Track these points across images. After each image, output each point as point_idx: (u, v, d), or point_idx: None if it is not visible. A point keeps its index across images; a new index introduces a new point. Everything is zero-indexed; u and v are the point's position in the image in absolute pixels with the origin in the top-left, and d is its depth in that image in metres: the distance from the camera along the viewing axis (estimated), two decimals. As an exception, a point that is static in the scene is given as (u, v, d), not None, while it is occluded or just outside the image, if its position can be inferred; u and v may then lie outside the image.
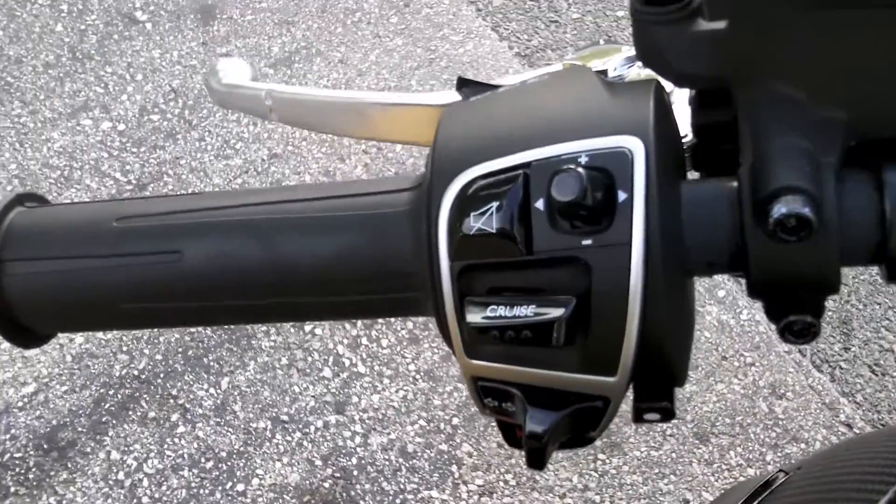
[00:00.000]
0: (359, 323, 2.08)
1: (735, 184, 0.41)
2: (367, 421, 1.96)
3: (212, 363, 2.02)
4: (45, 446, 1.90)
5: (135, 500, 1.85)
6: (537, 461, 0.43)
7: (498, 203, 0.40)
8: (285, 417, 1.95)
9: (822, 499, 0.57)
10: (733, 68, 0.41)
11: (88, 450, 1.90)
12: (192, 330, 2.06)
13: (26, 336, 0.50)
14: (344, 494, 1.86)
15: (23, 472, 1.86)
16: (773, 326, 0.44)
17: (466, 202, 0.41)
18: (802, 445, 1.94)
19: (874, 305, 2.20)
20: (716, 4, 0.41)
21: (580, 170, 0.38)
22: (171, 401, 1.97)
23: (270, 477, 1.88)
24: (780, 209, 0.38)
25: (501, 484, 1.89)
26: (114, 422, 1.93)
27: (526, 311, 0.40)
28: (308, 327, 2.08)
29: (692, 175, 0.47)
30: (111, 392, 1.97)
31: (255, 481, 1.88)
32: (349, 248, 0.45)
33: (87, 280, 0.48)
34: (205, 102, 2.48)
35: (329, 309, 0.48)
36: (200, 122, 2.45)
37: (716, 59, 0.41)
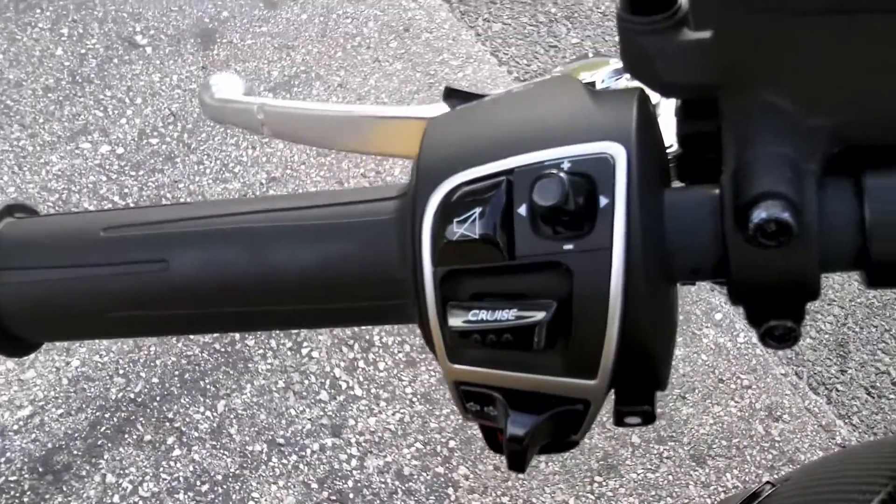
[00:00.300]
0: (356, 346, 2.08)
1: (717, 191, 0.42)
2: (363, 444, 1.95)
3: (208, 386, 2.02)
4: (41, 469, 1.90)
5: (130, 523, 1.85)
6: (518, 464, 0.43)
7: (481, 209, 0.41)
8: (281, 440, 1.95)
9: None
10: (719, 77, 0.41)
11: (84, 473, 1.90)
12: (189, 353, 2.06)
13: (15, 345, 0.51)
14: (340, 517, 1.86)
15: (17, 495, 1.86)
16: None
17: (450, 208, 0.42)
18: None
19: (871, 328, 2.20)
20: (701, 14, 0.41)
21: (562, 175, 0.39)
22: (167, 424, 1.96)
23: (266, 500, 1.87)
24: (759, 214, 0.38)
25: (497, 507, 1.89)
26: (109, 445, 1.93)
27: (507, 316, 0.40)
28: (305, 350, 2.08)
29: (677, 185, 0.47)
30: (107, 415, 1.97)
31: (251, 504, 1.88)
32: (335, 256, 0.45)
33: (75, 289, 0.48)
34: (204, 126, 2.49)
35: (315, 316, 0.48)
36: (199, 145, 2.46)
37: (702, 68, 0.42)
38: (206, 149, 2.45)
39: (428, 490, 1.90)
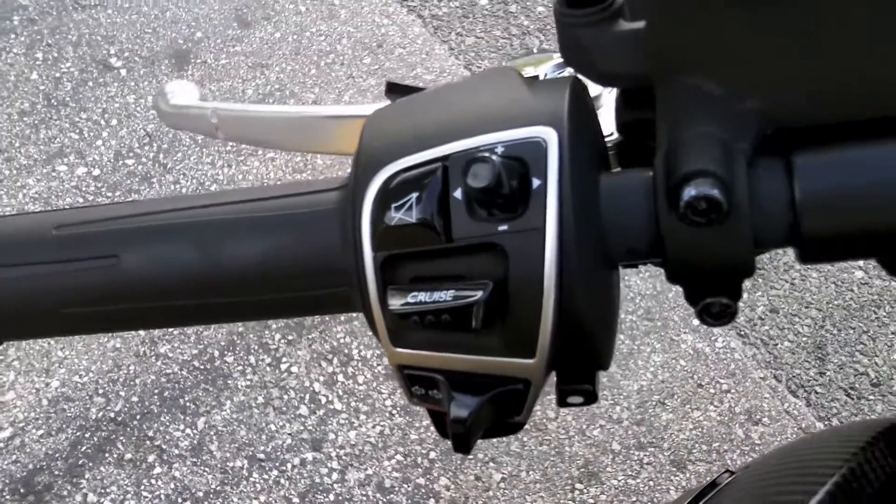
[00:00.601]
0: (335, 360, 2.09)
1: (651, 172, 0.43)
2: (343, 457, 1.95)
3: (188, 403, 2.02)
4: (22, 490, 1.89)
5: (112, 542, 1.84)
6: (463, 446, 0.44)
7: (418, 194, 0.42)
8: (262, 456, 1.95)
9: (760, 501, 0.58)
10: (653, 66, 0.42)
11: (65, 493, 1.89)
12: (168, 371, 2.06)
13: None
14: (321, 531, 1.86)
15: (-1, 516, 1.86)
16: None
17: (388, 195, 0.43)
18: (779, 470, 1.95)
19: (848, 330, 2.21)
20: (636, 5, 0.42)
21: (494, 158, 0.40)
22: (148, 442, 1.96)
23: (248, 515, 1.88)
24: (690, 192, 0.39)
25: (479, 516, 1.89)
26: (90, 464, 1.93)
27: (445, 297, 0.41)
28: (284, 365, 2.08)
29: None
30: (87, 435, 1.97)
31: (233, 520, 1.88)
32: (281, 247, 0.46)
33: (29, 287, 0.49)
34: (179, 146, 2.50)
35: (264, 307, 0.48)
36: (175, 165, 2.46)
37: (636, 57, 0.42)
38: (181, 168, 2.45)
39: (409, 502, 1.90)
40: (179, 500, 1.89)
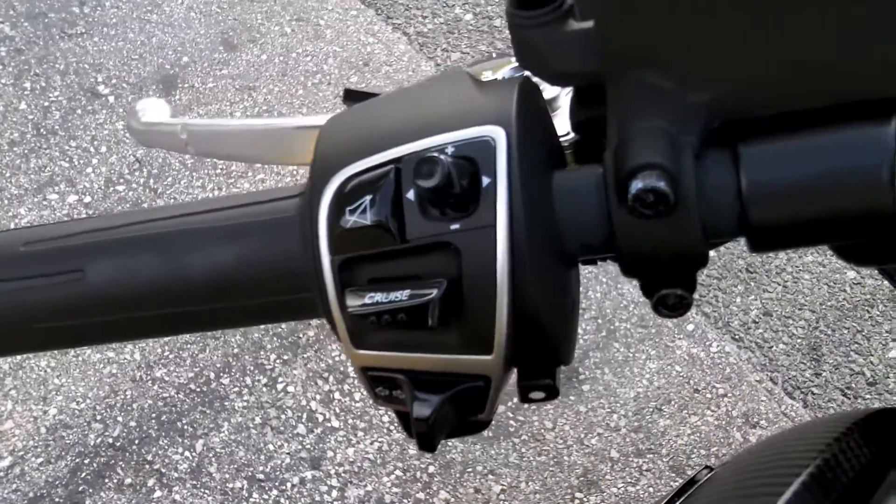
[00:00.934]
0: (331, 378, 2.09)
1: (602, 168, 0.43)
2: (343, 474, 1.96)
3: (186, 426, 2.02)
4: (22, 519, 1.90)
5: (114, 568, 1.84)
6: (427, 445, 0.44)
7: (372, 197, 0.42)
8: (261, 476, 1.95)
9: (737, 494, 0.58)
10: (603, 63, 0.43)
11: (66, 520, 1.90)
12: (165, 395, 2.06)
13: None
14: (323, 549, 1.86)
15: (0, 546, 1.86)
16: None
17: (343, 198, 0.43)
18: (777, 472, 1.95)
19: (843, 330, 2.22)
20: (585, 5, 0.43)
21: (442, 157, 0.40)
22: (147, 466, 1.96)
23: (249, 536, 1.88)
24: (637, 185, 0.40)
25: (480, 528, 1.89)
26: (90, 490, 1.93)
27: (401, 296, 0.42)
28: (280, 385, 2.08)
29: None
30: (87, 461, 1.97)
31: (234, 541, 1.88)
32: (244, 255, 0.47)
33: None
34: (169, 171, 2.50)
35: (230, 316, 0.49)
36: (166, 189, 2.47)
37: (587, 56, 0.43)
38: (172, 192, 2.46)
39: (410, 516, 1.90)
40: (180, 523, 1.89)
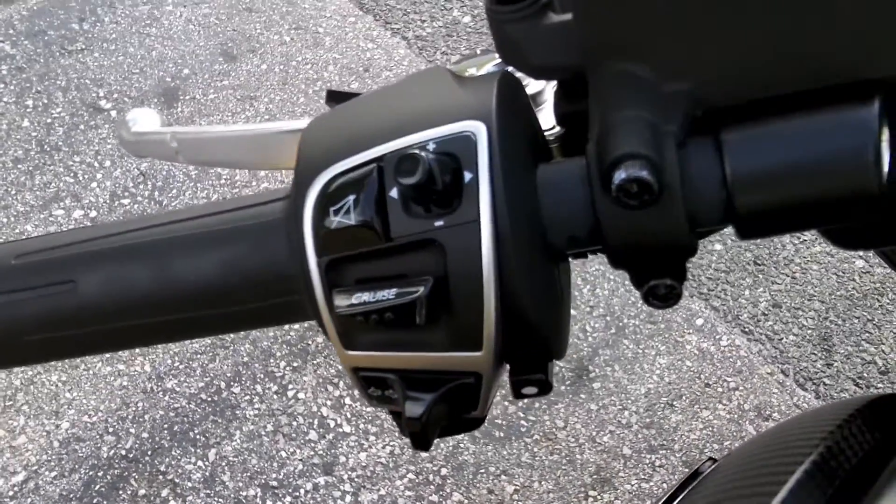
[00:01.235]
0: (341, 383, 2.09)
1: (586, 160, 0.43)
2: (356, 479, 1.95)
3: (198, 436, 2.02)
4: (37, 534, 1.90)
5: (130, 580, 1.84)
6: (421, 444, 0.44)
7: (355, 196, 0.42)
8: (274, 483, 1.95)
9: (740, 484, 0.58)
10: (583, 56, 0.43)
11: (81, 534, 1.90)
12: (176, 405, 2.06)
13: None
14: (338, 554, 1.86)
15: (16, 561, 1.86)
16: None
17: (327, 199, 0.43)
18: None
19: (853, 320, 2.21)
20: None
21: (422, 154, 0.40)
22: (161, 477, 1.96)
23: (264, 544, 1.88)
24: (620, 175, 0.40)
25: (495, 529, 1.89)
26: (105, 503, 1.93)
27: (388, 295, 0.42)
28: (291, 392, 2.08)
29: None
30: (100, 473, 1.97)
31: (249, 549, 1.87)
32: (233, 260, 0.47)
33: None
34: (174, 182, 2.51)
35: (221, 321, 0.49)
36: (171, 201, 2.47)
37: (567, 48, 0.43)
38: (177, 204, 2.46)
39: (424, 519, 1.90)
40: (195, 532, 1.89)
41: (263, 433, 2.03)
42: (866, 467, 0.53)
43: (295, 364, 2.13)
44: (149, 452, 2.00)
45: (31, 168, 2.57)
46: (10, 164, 2.59)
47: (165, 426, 2.04)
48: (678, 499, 0.61)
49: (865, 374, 2.12)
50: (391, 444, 2.00)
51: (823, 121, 0.40)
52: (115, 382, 2.11)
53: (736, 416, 2.04)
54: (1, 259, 0.50)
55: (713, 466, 0.63)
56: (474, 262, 0.41)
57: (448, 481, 1.95)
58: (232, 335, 2.17)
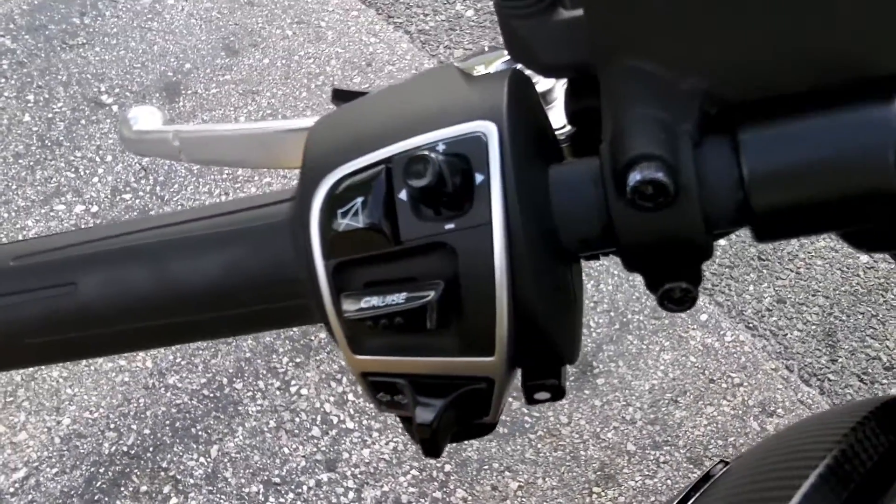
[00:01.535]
0: (343, 379, 2.08)
1: (599, 160, 0.42)
2: (359, 476, 1.95)
3: (200, 432, 2.02)
4: (39, 531, 1.89)
5: (132, 577, 1.84)
6: (432, 450, 0.43)
7: (363, 198, 0.41)
8: (277, 479, 1.95)
9: (753, 488, 0.57)
10: (594, 53, 0.42)
11: (82, 530, 1.89)
12: (178, 401, 2.06)
13: None
14: (341, 551, 1.86)
15: (18, 558, 1.86)
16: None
17: (335, 201, 0.42)
18: (796, 459, 1.94)
19: (857, 315, 2.20)
20: None
21: (432, 155, 0.39)
22: (163, 473, 1.96)
23: (267, 541, 1.87)
24: (635, 177, 0.39)
25: (498, 526, 1.89)
26: (106, 499, 1.92)
27: (398, 299, 0.41)
28: (293, 388, 2.07)
29: None
30: (102, 470, 1.97)
31: (252, 546, 1.87)
32: (237, 262, 0.46)
33: None
34: (175, 177, 2.50)
35: (225, 324, 0.48)
36: (172, 196, 2.46)
37: (577, 45, 0.42)
38: (179, 199, 2.45)
39: (428, 516, 1.90)
40: (197, 529, 1.89)
41: (266, 429, 2.02)
42: (881, 471, 0.52)
43: (298, 360, 2.12)
44: (150, 449, 2.00)
45: (32, 163, 2.57)
46: (11, 159, 2.58)
47: (167, 422, 2.04)
48: (690, 501, 0.61)
49: (870, 370, 2.11)
50: (394, 440, 2.00)
51: (842, 119, 0.39)
52: (116, 378, 2.10)
53: (740, 412, 2.04)
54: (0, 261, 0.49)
55: (725, 469, 0.62)
56: (486, 266, 0.40)
57: (452, 478, 1.94)
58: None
